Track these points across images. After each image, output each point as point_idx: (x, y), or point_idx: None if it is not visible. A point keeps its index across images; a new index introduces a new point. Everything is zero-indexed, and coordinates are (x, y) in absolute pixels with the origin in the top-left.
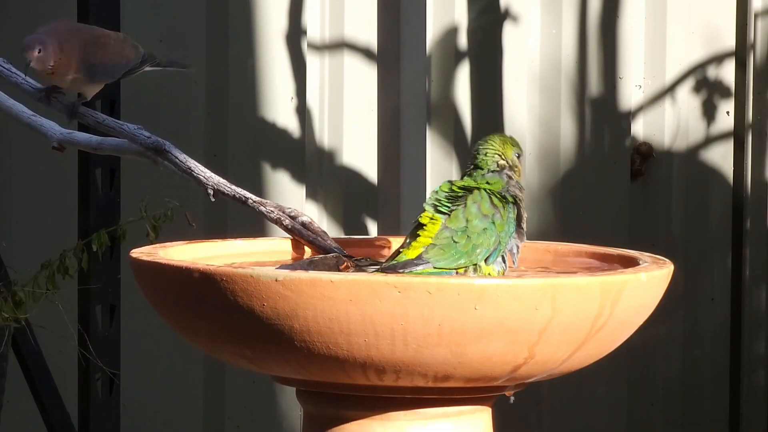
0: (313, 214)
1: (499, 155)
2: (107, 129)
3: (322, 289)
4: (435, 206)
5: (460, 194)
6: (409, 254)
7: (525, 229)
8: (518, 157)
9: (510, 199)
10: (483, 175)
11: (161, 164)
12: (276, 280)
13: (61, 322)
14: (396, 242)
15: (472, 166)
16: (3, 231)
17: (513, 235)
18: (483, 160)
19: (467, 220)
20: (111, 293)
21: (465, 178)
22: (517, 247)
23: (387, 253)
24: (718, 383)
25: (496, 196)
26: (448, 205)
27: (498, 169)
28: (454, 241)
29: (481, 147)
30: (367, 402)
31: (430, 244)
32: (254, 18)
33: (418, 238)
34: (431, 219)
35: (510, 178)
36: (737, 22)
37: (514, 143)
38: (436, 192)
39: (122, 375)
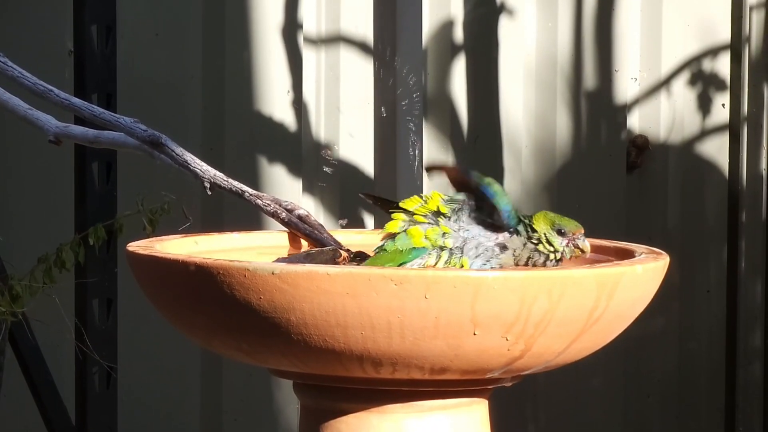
0: (310, 207)
1: (527, 223)
2: (103, 122)
3: (318, 282)
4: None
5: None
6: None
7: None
8: (561, 233)
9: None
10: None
11: (158, 158)
12: (273, 273)
13: (58, 315)
14: None
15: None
16: (0, 225)
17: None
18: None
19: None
20: (108, 287)
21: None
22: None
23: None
24: (714, 375)
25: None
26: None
27: (527, 238)
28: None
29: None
30: (364, 395)
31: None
32: (250, 12)
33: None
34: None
35: (529, 237)
36: (732, 15)
37: (557, 219)
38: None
39: (119, 368)
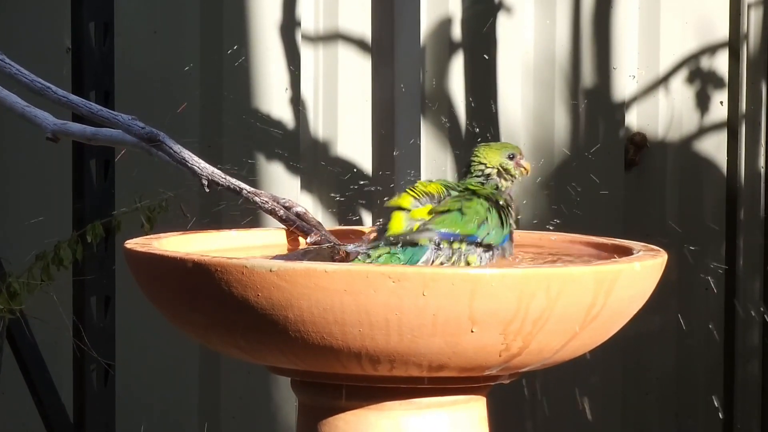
0: (308, 204)
1: (483, 164)
2: (101, 119)
3: (316, 279)
4: (414, 196)
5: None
6: (395, 229)
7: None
8: (511, 158)
9: (496, 202)
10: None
11: (155, 155)
12: (270, 271)
13: (55, 313)
14: None
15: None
16: None
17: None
18: (472, 170)
19: (464, 205)
20: (106, 284)
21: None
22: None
23: None
24: (712, 373)
25: (483, 198)
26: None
27: (485, 177)
28: (460, 211)
29: (471, 158)
30: (362, 392)
31: (433, 213)
32: (248, 9)
33: (397, 216)
34: (413, 200)
35: (497, 184)
36: (731, 13)
37: (502, 146)
38: (414, 187)
39: (117, 366)
